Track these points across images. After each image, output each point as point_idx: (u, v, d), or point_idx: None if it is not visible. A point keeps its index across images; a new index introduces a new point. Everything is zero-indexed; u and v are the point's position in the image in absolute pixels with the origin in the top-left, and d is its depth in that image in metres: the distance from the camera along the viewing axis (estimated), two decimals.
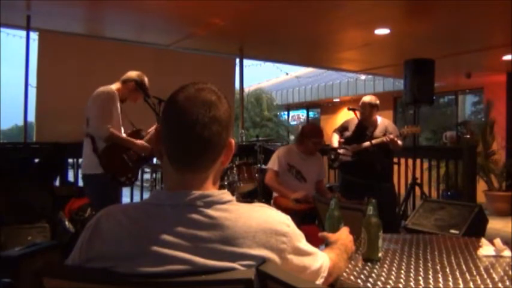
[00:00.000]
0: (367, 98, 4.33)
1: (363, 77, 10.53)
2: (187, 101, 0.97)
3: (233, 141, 1.04)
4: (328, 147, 4.52)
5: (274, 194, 3.78)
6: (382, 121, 4.39)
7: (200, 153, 0.97)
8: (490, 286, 1.42)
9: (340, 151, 4.28)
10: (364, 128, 4.26)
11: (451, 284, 1.44)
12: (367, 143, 4.15)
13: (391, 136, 4.10)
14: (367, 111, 4.26)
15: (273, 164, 3.76)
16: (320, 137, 3.80)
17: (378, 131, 4.28)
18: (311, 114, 14.66)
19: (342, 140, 4.42)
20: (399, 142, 4.18)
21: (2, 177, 3.80)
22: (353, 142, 4.29)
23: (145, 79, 3.30)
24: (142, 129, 3.38)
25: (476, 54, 6.36)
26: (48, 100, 4.91)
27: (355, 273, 1.54)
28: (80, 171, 4.83)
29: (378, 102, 4.33)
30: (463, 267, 1.62)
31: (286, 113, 15.95)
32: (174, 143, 0.98)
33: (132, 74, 3.28)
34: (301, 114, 15.20)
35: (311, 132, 3.76)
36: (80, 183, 4.64)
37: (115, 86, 3.22)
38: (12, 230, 3.51)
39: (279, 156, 3.77)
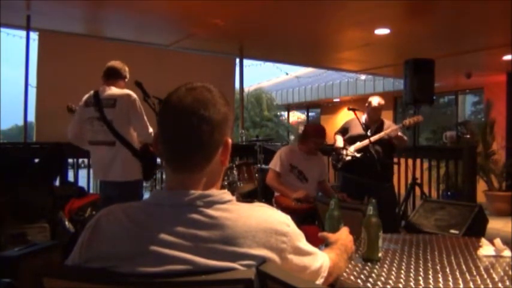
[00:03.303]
0: (379, 100, 4.24)
1: (363, 77, 10.53)
2: (177, 102, 0.98)
3: (229, 140, 1.03)
4: (334, 147, 4.47)
5: (276, 193, 3.79)
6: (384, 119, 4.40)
7: (191, 153, 0.98)
8: (490, 286, 1.42)
9: (348, 149, 4.25)
10: (367, 127, 4.26)
11: (451, 284, 1.44)
12: (377, 136, 4.13)
13: (400, 134, 4.13)
14: (380, 112, 4.27)
15: (275, 164, 3.76)
16: (323, 136, 3.83)
17: (383, 127, 4.27)
18: (311, 114, 14.66)
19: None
20: (405, 138, 4.21)
21: (2, 177, 3.79)
22: (356, 141, 4.27)
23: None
24: None
25: (476, 54, 6.36)
26: (48, 100, 4.90)
27: (355, 273, 1.54)
28: (80, 173, 4.89)
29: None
30: (463, 267, 1.62)
31: (286, 113, 15.96)
32: (167, 144, 0.99)
33: (125, 69, 3.27)
34: (300, 116, 15.20)
35: (315, 132, 3.79)
36: (80, 183, 4.67)
37: (125, 89, 3.20)
38: (12, 230, 3.51)
39: (281, 157, 3.76)
